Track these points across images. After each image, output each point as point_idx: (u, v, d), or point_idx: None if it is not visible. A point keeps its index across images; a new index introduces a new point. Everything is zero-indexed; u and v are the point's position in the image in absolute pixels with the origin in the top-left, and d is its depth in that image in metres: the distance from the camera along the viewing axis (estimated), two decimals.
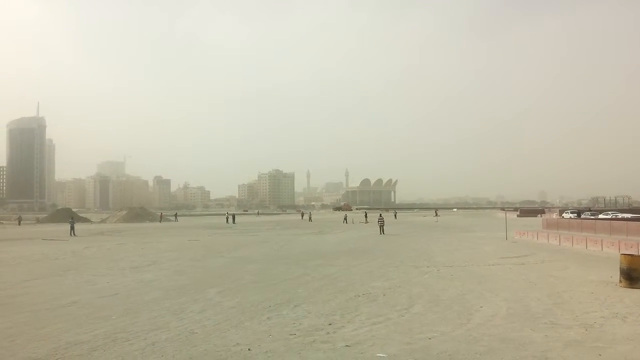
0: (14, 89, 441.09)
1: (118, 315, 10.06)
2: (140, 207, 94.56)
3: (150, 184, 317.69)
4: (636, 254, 16.00)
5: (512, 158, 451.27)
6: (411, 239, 32.15)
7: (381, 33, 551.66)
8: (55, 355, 7.42)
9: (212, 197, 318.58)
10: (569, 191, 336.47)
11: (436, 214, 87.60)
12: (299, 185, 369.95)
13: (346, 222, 57.57)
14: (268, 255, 22.63)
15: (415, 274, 15.87)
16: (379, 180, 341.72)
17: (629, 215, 46.83)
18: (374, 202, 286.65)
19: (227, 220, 65.08)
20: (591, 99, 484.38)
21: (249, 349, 7.64)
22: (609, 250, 21.68)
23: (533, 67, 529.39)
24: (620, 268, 13.20)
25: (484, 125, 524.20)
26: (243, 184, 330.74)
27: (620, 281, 13.09)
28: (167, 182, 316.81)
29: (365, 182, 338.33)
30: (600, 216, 48.37)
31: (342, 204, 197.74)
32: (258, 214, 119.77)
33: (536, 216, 73.06)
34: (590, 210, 68.24)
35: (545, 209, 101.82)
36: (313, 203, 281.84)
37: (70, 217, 47.08)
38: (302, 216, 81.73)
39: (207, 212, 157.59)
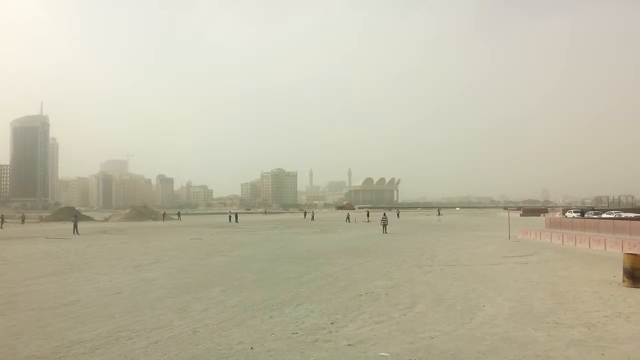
0: (17, 88, 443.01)
1: (121, 314, 10.08)
2: (143, 205, 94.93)
3: (153, 182, 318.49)
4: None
5: (515, 157, 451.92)
6: (414, 238, 32.11)
7: (383, 33, 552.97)
8: (58, 353, 7.44)
9: (215, 195, 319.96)
10: (572, 190, 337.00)
11: (439, 213, 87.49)
12: (302, 184, 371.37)
13: (349, 221, 57.63)
14: (270, 254, 22.63)
15: (417, 273, 15.86)
16: (382, 179, 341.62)
17: (632, 215, 46.73)
18: (376, 201, 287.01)
19: (230, 219, 65.28)
20: (595, 98, 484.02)
21: (251, 348, 7.65)
22: (612, 249, 21.61)
23: (536, 67, 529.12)
24: (623, 267, 13.17)
25: (487, 124, 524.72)
26: (246, 183, 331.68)
27: (624, 281, 13.06)
28: (170, 181, 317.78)
29: (368, 181, 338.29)
30: (604, 215, 48.29)
31: (345, 202, 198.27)
32: (265, 212, 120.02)
33: (539, 215, 72.89)
34: (594, 210, 68.11)
35: (548, 208, 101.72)
36: (316, 202, 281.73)
37: (73, 216, 47.13)
38: (305, 215, 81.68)
39: (210, 211, 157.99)
